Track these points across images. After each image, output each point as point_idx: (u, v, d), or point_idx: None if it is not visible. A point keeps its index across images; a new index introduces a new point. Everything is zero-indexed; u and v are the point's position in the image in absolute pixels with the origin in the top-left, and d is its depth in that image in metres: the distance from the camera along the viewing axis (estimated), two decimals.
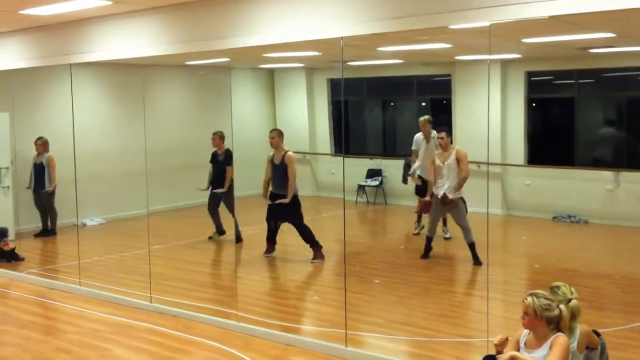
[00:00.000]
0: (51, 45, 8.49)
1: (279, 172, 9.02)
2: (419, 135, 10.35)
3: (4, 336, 6.54)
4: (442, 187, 8.75)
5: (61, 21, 7.99)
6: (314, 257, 8.96)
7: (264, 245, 9.26)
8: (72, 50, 8.14)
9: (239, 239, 9.65)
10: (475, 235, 8.62)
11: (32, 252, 10.14)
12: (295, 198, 8.95)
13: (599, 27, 7.22)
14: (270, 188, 9.16)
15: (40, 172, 10.94)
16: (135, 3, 6.97)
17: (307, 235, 9.01)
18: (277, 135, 9.23)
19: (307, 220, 9.12)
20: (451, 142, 9.10)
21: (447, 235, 10.12)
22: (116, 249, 10.25)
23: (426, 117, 10.28)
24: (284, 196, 8.89)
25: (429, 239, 8.99)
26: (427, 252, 8.99)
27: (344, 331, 5.97)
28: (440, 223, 10.16)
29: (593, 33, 7.62)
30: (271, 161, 9.17)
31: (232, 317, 6.66)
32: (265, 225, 9.23)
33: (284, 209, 8.94)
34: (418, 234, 10.42)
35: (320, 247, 9.00)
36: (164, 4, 6.93)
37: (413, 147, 10.45)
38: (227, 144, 10.13)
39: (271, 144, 9.21)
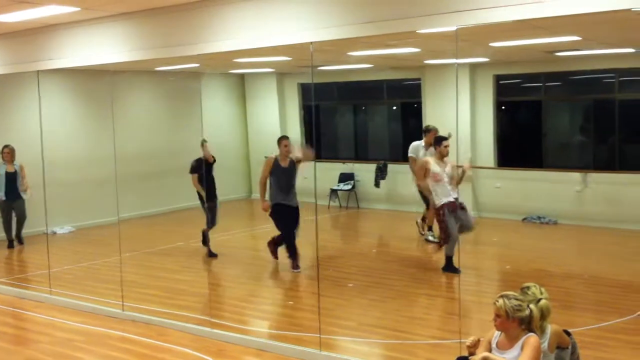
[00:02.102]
0: (18, 52, 8.39)
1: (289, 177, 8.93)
2: (419, 143, 10.26)
3: None
4: (452, 195, 8.55)
5: (28, 28, 7.89)
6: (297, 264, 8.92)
7: (237, 251, 9.23)
8: (39, 57, 8.05)
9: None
10: None
11: (0, 261, 10.00)
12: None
13: (564, 31, 7.33)
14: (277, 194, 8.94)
15: (13, 180, 10.78)
16: (104, 9, 6.92)
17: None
18: (290, 143, 9.09)
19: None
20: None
21: (432, 238, 10.12)
22: (87, 257, 10.14)
23: (432, 126, 10.20)
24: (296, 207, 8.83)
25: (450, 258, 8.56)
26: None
27: (318, 335, 5.98)
28: (421, 223, 10.19)
29: (559, 36, 7.74)
30: (277, 165, 8.97)
31: (206, 324, 6.63)
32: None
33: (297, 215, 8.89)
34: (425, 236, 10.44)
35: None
36: (133, 10, 6.89)
37: (411, 154, 10.33)
38: (197, 150, 9.93)
39: (287, 152, 9.04)
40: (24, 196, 10.77)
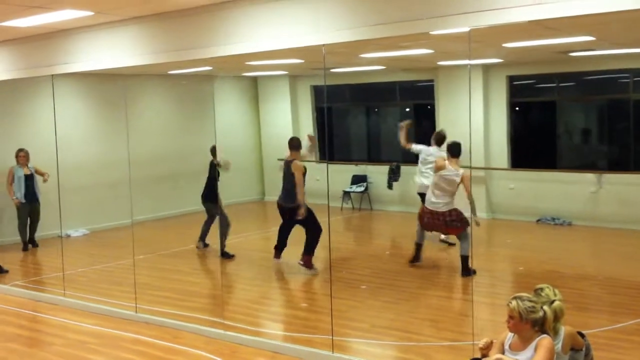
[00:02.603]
0: (33, 57, 8.45)
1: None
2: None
3: None
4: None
5: (43, 32, 7.95)
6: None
7: (250, 253, 9.24)
8: (54, 61, 8.11)
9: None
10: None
11: (15, 264, 10.07)
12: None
13: (578, 31, 7.29)
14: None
15: (30, 183, 10.87)
16: (117, 14, 6.96)
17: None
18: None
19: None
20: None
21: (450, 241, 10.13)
22: (101, 260, 10.20)
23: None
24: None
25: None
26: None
27: (331, 337, 5.97)
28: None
29: (572, 37, 7.70)
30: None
31: (219, 326, 6.64)
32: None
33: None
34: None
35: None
36: (146, 13, 6.93)
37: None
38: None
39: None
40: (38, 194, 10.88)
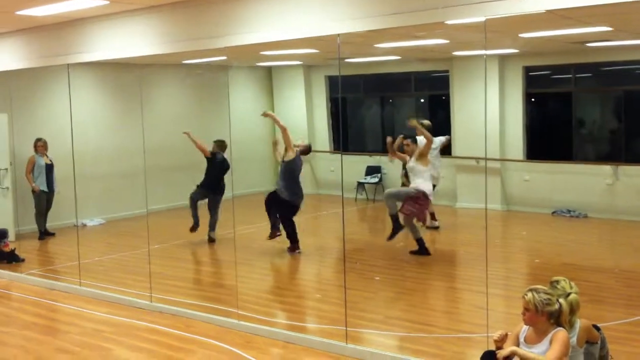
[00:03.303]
0: (49, 46, 8.49)
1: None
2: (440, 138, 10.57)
3: (6, 337, 6.54)
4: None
5: (58, 21, 7.98)
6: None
7: (264, 244, 9.29)
8: (69, 50, 8.14)
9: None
10: (476, 230, 8.62)
11: (32, 253, 10.15)
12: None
13: (595, 21, 7.21)
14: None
15: (50, 172, 10.96)
16: (132, 2, 6.96)
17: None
18: None
19: (307, 218, 9.13)
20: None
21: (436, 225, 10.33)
22: (116, 249, 10.26)
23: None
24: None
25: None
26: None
27: (344, 328, 5.98)
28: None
29: (589, 27, 7.62)
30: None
31: (233, 316, 6.66)
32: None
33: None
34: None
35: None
36: (161, 3, 6.93)
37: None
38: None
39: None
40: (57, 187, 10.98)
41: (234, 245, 9.49)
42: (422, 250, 8.92)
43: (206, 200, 10.36)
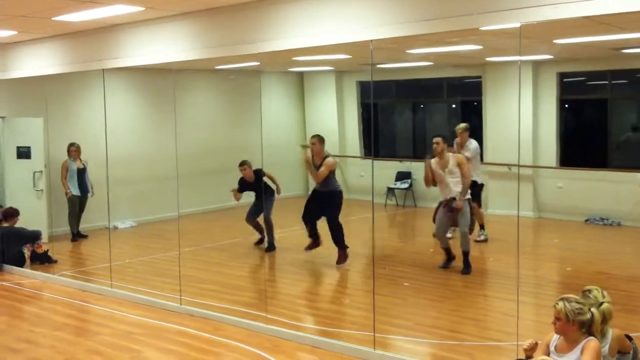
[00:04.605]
0: (84, 51, 8.62)
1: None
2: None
3: (39, 337, 6.64)
4: (450, 194, 8.50)
5: (94, 27, 8.10)
6: (338, 261, 8.89)
7: (294, 248, 9.28)
8: (104, 55, 8.26)
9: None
10: (507, 237, 8.52)
11: (64, 254, 10.29)
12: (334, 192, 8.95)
13: (632, 27, 7.12)
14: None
15: (82, 176, 11.12)
16: (167, 9, 7.04)
17: (336, 234, 8.93)
18: (317, 142, 9.00)
19: None
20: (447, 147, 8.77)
21: (482, 238, 10.06)
22: (147, 252, 10.36)
23: (463, 125, 10.12)
24: (327, 192, 8.89)
25: (446, 250, 8.74)
26: (448, 261, 8.73)
27: (372, 334, 5.95)
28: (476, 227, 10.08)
29: (626, 33, 7.52)
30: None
31: (261, 320, 6.68)
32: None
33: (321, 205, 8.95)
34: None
35: (346, 248, 8.95)
36: (195, 9, 7.00)
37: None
38: (256, 148, 10.00)
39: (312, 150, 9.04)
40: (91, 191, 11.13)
41: (264, 249, 9.54)
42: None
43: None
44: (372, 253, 8.00)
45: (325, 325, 6.96)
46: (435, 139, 8.60)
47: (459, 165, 8.44)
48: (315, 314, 7.47)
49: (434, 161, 8.60)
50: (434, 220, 8.82)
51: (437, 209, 8.77)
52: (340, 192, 9.06)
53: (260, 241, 10.16)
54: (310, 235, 9.11)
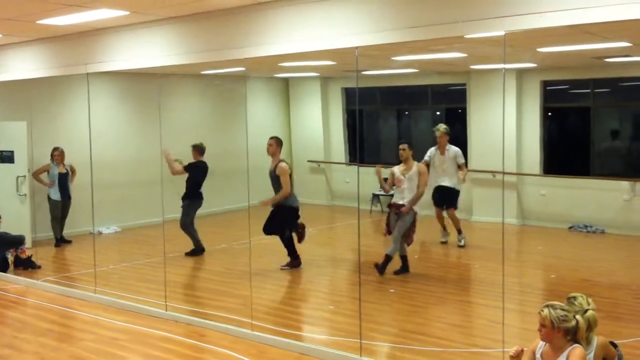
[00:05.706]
0: (69, 55, 8.57)
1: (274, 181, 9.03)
2: (433, 149, 10.41)
3: (22, 343, 6.58)
4: (402, 199, 8.71)
5: (79, 31, 8.06)
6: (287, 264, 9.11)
7: (278, 254, 9.27)
8: (89, 59, 8.21)
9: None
10: (492, 244, 8.56)
11: (48, 260, 10.21)
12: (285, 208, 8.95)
13: (614, 36, 7.19)
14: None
15: (65, 181, 11.05)
16: (152, 13, 7.02)
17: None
18: (274, 143, 9.09)
19: (321, 229, 9.10)
20: (412, 155, 8.99)
21: (462, 243, 10.14)
22: (132, 257, 10.30)
23: (442, 128, 10.23)
24: (281, 206, 8.93)
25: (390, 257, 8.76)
26: (383, 267, 8.71)
27: (359, 341, 5.96)
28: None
29: (609, 42, 7.60)
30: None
31: (247, 326, 6.66)
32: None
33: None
34: (446, 242, 10.47)
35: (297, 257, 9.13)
36: (180, 14, 6.98)
37: (425, 158, 10.43)
38: (241, 153, 10.01)
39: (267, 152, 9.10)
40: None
41: (249, 255, 9.51)
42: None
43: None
44: (357, 259, 8.00)
45: (311, 331, 6.96)
46: (402, 146, 8.94)
47: (420, 174, 8.70)
48: (302, 320, 7.46)
49: (399, 167, 8.92)
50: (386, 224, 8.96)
51: (389, 213, 8.98)
52: (296, 209, 9.09)
53: None
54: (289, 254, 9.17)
